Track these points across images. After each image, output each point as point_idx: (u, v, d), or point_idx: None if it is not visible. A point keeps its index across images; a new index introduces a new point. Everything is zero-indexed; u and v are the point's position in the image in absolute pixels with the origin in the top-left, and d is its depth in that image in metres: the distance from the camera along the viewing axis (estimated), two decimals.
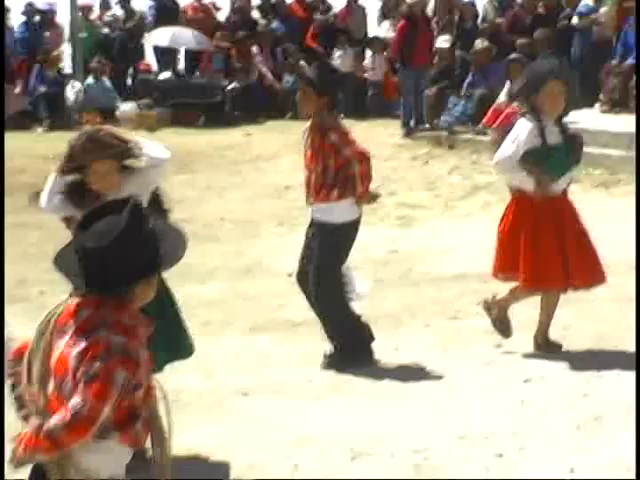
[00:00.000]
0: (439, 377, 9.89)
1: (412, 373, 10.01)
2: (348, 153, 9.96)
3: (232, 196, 17.95)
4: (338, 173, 9.97)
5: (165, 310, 8.00)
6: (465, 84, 22.18)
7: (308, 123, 10.21)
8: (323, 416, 9.09)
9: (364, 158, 10.06)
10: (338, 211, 10.05)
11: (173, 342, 8.17)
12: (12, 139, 21.32)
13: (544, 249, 10.03)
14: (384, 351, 10.50)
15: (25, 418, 4.93)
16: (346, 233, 10.16)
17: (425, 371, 10.05)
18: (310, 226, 10.29)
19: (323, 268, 10.11)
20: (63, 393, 4.82)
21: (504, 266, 10.29)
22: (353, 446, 8.38)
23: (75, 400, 4.68)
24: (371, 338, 10.27)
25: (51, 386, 4.83)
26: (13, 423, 5.31)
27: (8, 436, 5.12)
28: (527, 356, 10.18)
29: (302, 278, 10.30)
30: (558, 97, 10.04)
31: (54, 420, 4.69)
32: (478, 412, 8.97)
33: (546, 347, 10.29)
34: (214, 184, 18.61)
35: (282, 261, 13.35)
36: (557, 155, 10.08)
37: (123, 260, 4.81)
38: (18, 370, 4.97)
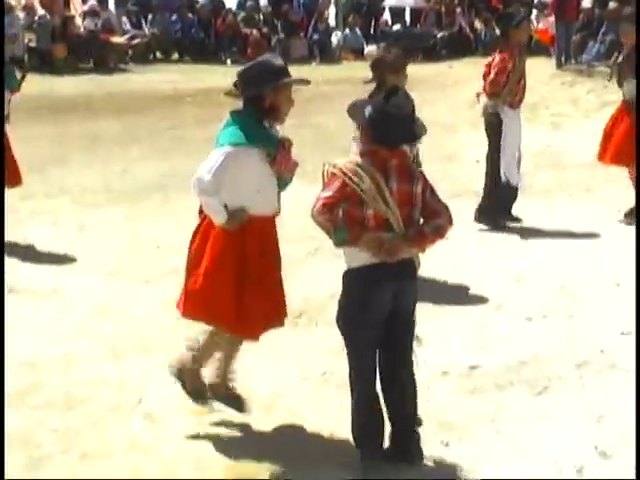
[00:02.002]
0: (580, 229, 9.71)
1: (562, 229, 9.81)
2: None
3: (439, 106, 17.70)
4: None
5: None
6: (600, 33, 21.54)
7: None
8: (532, 259, 8.98)
9: None
10: None
11: None
12: (294, 70, 21.33)
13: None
14: (539, 215, 10.29)
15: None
16: None
17: (569, 226, 9.85)
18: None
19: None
20: (414, 212, 4.96)
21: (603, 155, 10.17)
22: (560, 282, 8.23)
23: (444, 209, 5.00)
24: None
25: (401, 210, 4.90)
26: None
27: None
28: None
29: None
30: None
31: (439, 223, 4.96)
32: (617, 259, 8.72)
33: None
34: (427, 98, 18.32)
35: (472, 151, 13.16)
36: None
37: (411, 126, 4.96)
38: (330, 217, 4.84)
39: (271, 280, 5.47)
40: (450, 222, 5.02)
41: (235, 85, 5.44)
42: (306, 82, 5.59)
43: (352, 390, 5.09)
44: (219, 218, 5.33)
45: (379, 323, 4.97)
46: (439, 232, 4.99)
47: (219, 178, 5.26)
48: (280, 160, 5.38)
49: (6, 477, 5.07)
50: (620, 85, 10.10)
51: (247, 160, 5.30)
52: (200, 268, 5.41)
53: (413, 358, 5.15)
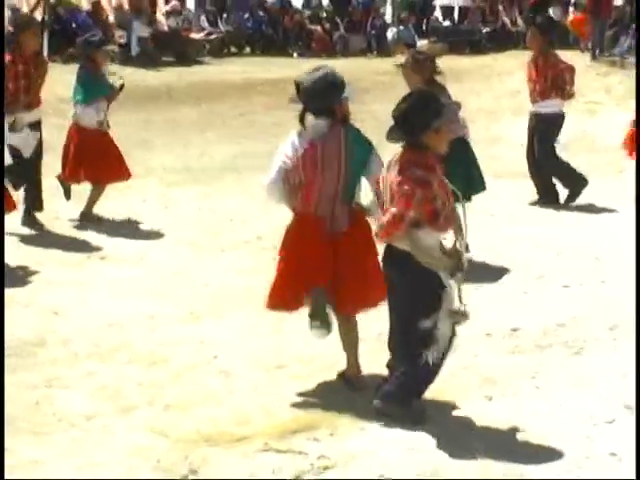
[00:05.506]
0: (612, 206, 9.61)
1: (595, 206, 9.65)
2: (562, 67, 9.80)
3: (485, 96, 17.51)
4: (555, 81, 9.70)
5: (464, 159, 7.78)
6: (632, 28, 21.21)
7: (532, 53, 10.01)
8: (569, 233, 8.85)
9: (572, 70, 9.85)
10: (553, 105, 9.79)
11: (470, 179, 7.81)
12: (354, 62, 21.25)
13: None
14: None
15: None
16: (558, 118, 9.87)
17: (602, 204, 9.69)
18: (531, 119, 10.00)
19: (544, 142, 9.84)
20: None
21: None
22: (594, 253, 8.13)
23: (393, 208, 4.87)
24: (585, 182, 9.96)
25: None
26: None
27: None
28: None
29: (529, 154, 10.05)
30: None
31: (384, 218, 4.92)
32: None
33: None
34: (474, 89, 18.14)
35: (515, 135, 12.99)
36: None
37: (412, 120, 4.90)
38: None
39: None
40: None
41: (297, 92, 5.40)
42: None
43: (418, 353, 5.00)
44: None
45: None
46: (380, 228, 5.02)
47: None
48: None
49: (110, 418, 5.15)
50: None
51: None
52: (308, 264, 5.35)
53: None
